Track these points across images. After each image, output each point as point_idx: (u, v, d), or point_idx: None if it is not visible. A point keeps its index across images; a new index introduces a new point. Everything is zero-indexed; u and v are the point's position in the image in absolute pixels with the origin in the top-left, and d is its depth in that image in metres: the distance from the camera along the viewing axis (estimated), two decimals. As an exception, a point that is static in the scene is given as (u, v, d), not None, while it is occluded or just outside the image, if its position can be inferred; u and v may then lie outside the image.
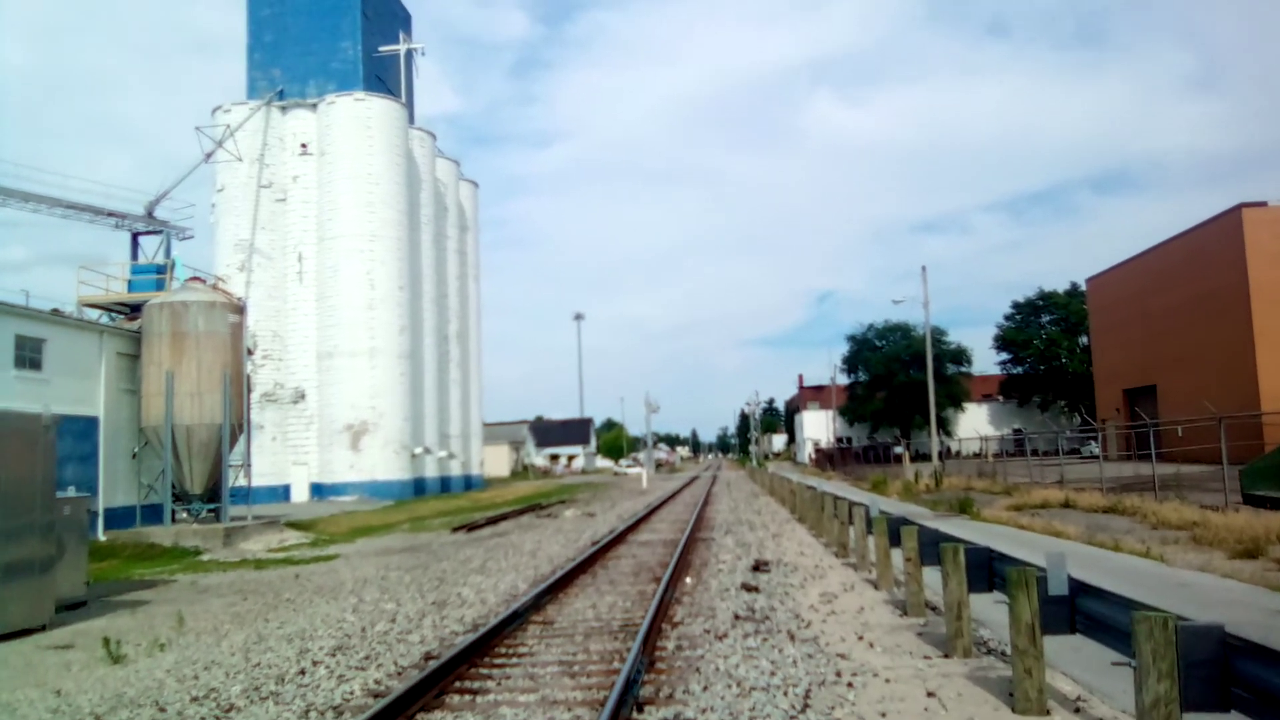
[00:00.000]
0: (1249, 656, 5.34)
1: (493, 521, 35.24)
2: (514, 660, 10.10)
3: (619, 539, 23.50)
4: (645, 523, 29.35)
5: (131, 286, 36.89)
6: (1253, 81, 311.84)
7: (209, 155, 52.96)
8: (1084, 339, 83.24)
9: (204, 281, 33.85)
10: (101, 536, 26.98)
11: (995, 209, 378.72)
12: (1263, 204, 48.22)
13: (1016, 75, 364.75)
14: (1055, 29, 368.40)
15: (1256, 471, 24.25)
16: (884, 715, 7.51)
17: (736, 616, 11.92)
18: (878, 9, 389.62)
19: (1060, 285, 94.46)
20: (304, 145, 56.25)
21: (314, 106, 56.48)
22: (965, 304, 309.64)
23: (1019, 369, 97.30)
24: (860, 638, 10.54)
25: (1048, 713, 7.37)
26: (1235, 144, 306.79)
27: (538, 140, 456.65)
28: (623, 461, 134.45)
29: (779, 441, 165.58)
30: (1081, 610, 7.61)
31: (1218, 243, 49.38)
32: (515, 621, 11.96)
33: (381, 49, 61.64)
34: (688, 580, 15.63)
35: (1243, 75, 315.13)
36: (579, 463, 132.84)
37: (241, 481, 32.57)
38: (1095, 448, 45.66)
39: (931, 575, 11.39)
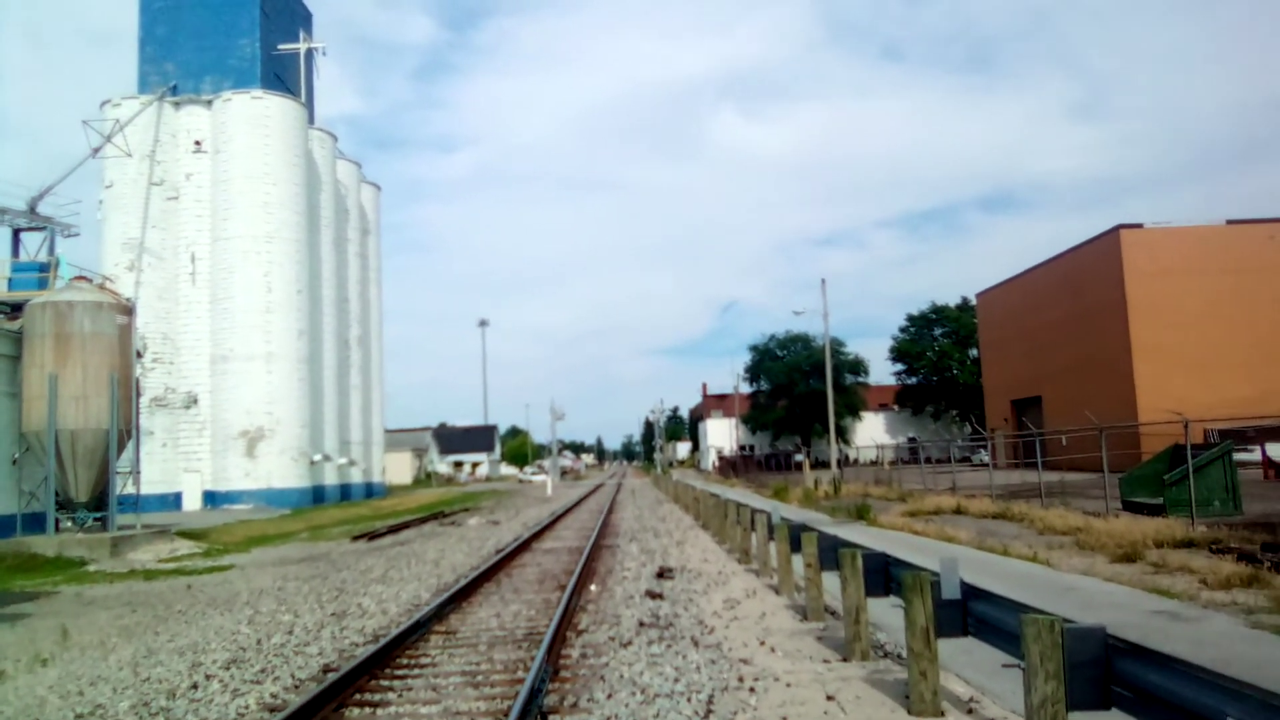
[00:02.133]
0: (1129, 656, 5.62)
1: (394, 530, 34.63)
2: (416, 671, 9.97)
3: (523, 547, 23.38)
4: (550, 530, 29.26)
5: (12, 285, 35.15)
6: (1132, 110, 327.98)
7: (96, 150, 50.85)
8: (974, 351, 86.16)
9: (90, 281, 32.46)
10: (-24, 547, 25.59)
11: (891, 225, 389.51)
12: (1139, 226, 50.79)
13: (911, 97, 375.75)
14: (947, 54, 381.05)
15: (1135, 479, 25.50)
16: (785, 719, 7.65)
17: (641, 623, 12.00)
18: (780, 30, 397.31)
19: (952, 299, 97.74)
20: (198, 142, 54.48)
21: (209, 103, 54.77)
22: (863, 316, 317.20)
23: (913, 379, 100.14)
24: (762, 643, 10.71)
25: (942, 714, 7.61)
26: (1115, 168, 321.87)
27: (442, 145, 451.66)
28: (528, 469, 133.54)
29: (683, 449, 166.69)
30: (974, 614, 7.90)
31: (1098, 261, 51.76)
32: (417, 632, 11.81)
33: (281, 47, 60.18)
34: (592, 588, 15.66)
35: (1122, 103, 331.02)
36: (483, 470, 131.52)
37: (130, 489, 31.30)
38: (985, 456, 47.26)
39: (831, 580, 11.66)
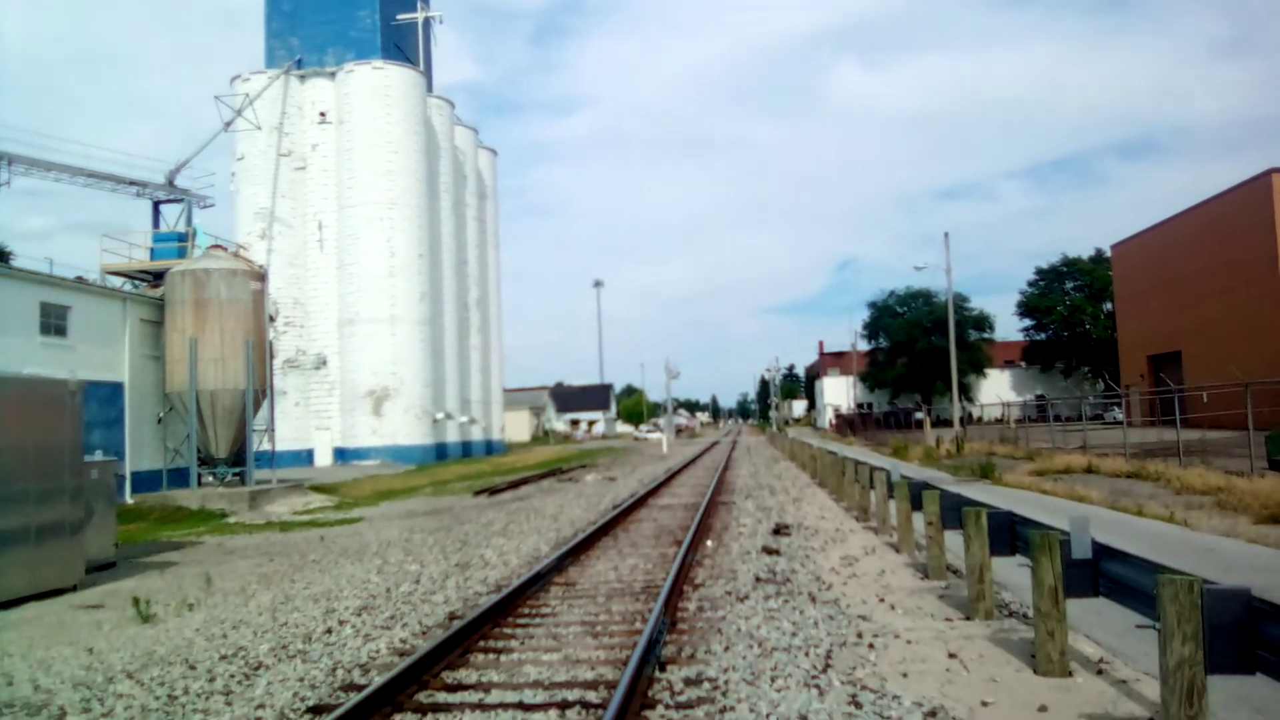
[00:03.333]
0: (1275, 620, 5.31)
1: (514, 486, 35.48)
2: (537, 621, 10.19)
3: (640, 503, 23.61)
4: (666, 487, 29.46)
5: (154, 255, 37.17)
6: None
7: (228, 124, 52.95)
8: (1108, 305, 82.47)
9: (225, 249, 34.02)
10: (129, 500, 27.37)
11: (1019, 176, 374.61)
12: (1293, 168, 47.42)
13: (1039, 42, 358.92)
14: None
15: (1282, 437, 24.04)
16: (905, 675, 7.54)
17: (757, 579, 11.97)
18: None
19: (1085, 252, 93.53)
20: (323, 114, 56.17)
21: (332, 75, 56.33)
22: (988, 271, 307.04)
23: (1042, 335, 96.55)
24: (881, 600, 10.56)
25: (1070, 674, 7.37)
26: (1263, 109, 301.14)
27: (558, 108, 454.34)
28: (643, 427, 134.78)
29: (799, 407, 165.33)
30: (1105, 573, 7.59)
31: (1246, 208, 48.64)
32: (538, 583, 12.06)
33: (400, 17, 61.26)
34: (708, 543, 15.70)
35: (1271, 39, 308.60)
36: (599, 428, 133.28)
37: (265, 446, 32.94)
38: (1119, 413, 45.35)
39: (953, 539, 11.39)
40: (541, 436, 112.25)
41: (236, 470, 30.49)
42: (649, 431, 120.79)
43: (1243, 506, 17.65)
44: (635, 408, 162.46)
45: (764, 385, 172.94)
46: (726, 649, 8.43)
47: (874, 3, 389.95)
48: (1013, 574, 10.14)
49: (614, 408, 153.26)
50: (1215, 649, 5.49)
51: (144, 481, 29.14)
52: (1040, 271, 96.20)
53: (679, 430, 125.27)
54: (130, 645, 10.10)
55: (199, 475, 29.73)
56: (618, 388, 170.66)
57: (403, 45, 60.96)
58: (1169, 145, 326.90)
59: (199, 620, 11.35)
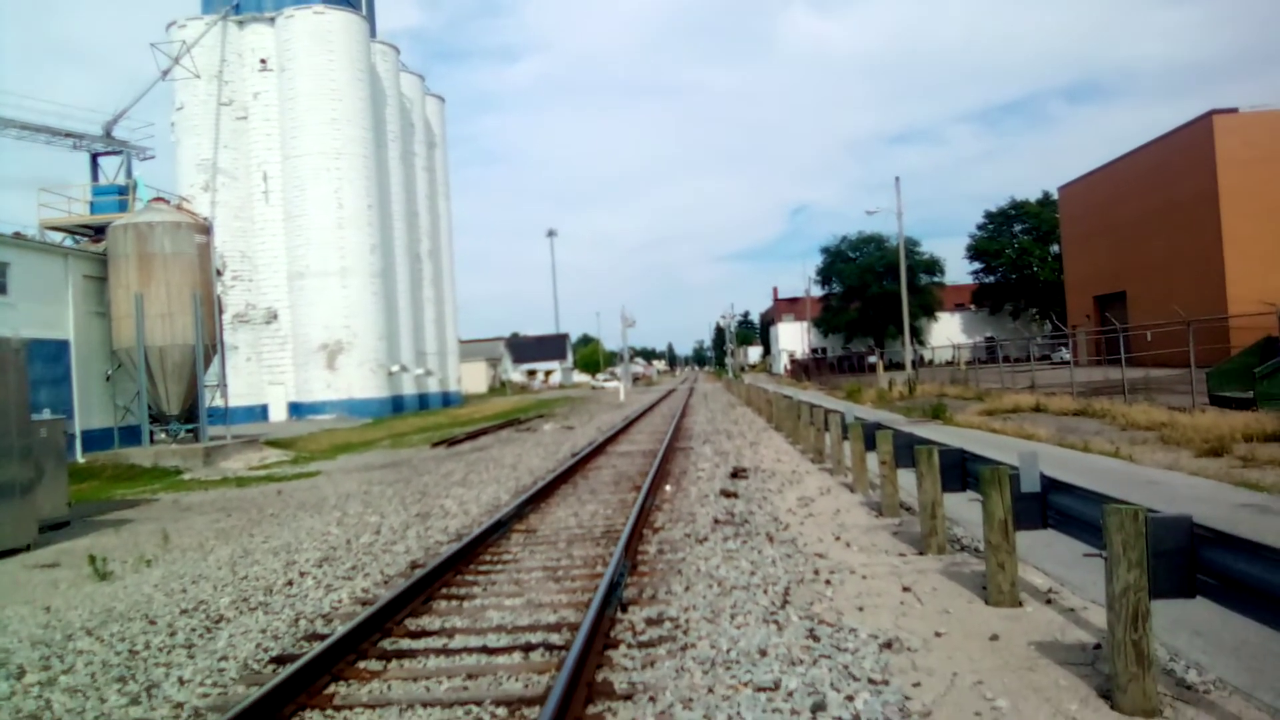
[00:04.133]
0: (1215, 545, 5.50)
1: (472, 436, 35.45)
2: (499, 567, 10.27)
3: (598, 450, 23.72)
4: (624, 434, 29.62)
5: (94, 208, 36.21)
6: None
7: (166, 73, 51.35)
8: (1055, 247, 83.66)
9: (168, 202, 33.23)
10: (80, 459, 26.95)
11: (968, 119, 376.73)
12: (1233, 110, 48.15)
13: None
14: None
15: (1223, 373, 24.73)
16: (861, 610, 7.73)
17: (716, 521, 12.14)
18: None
19: (1033, 194, 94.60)
20: (263, 61, 54.67)
21: (272, 21, 54.74)
22: (939, 215, 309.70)
23: (991, 278, 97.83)
24: (837, 538, 10.77)
25: (1020, 604, 7.61)
26: (1207, 52, 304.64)
27: (505, 55, 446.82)
28: (600, 376, 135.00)
29: (755, 354, 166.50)
30: (1053, 506, 7.80)
31: (1188, 150, 49.41)
32: (499, 530, 12.13)
33: (341, -43, 59.51)
34: (667, 488, 15.86)
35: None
36: (556, 378, 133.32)
37: (218, 402, 32.51)
38: (1066, 353, 46.32)
39: (906, 478, 11.62)
40: (499, 387, 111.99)
41: (190, 427, 30.11)
42: (606, 380, 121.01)
43: (1185, 441, 18.18)
44: (592, 357, 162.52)
45: (720, 332, 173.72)
46: (687, 589, 8.57)
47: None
48: (964, 509, 10.38)
49: (570, 357, 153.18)
50: (1159, 575, 5.68)
51: (95, 440, 28.68)
52: (989, 215, 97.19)
53: (636, 379, 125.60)
54: (88, 602, 10.02)
55: (151, 433, 29.31)
56: (574, 337, 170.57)
57: (344, -12, 59.34)
58: (1115, 87, 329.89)
59: (157, 576, 11.28)
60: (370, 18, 59.97)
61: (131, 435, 29.38)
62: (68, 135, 42.41)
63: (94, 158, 42.70)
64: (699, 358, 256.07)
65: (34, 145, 42.78)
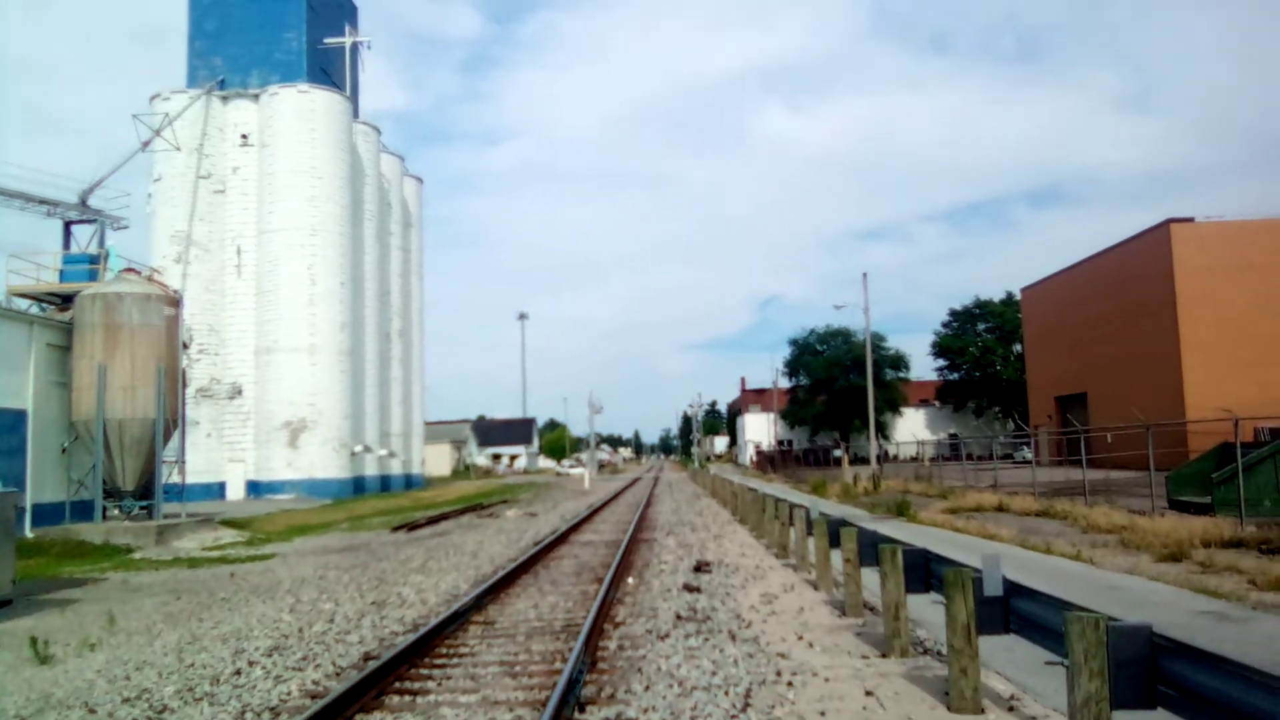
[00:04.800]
0: (1175, 655, 5.52)
1: (433, 521, 34.93)
2: (455, 661, 10.04)
3: (561, 539, 23.46)
4: (588, 523, 29.34)
5: (63, 276, 35.91)
6: (1182, 101, 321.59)
7: (146, 144, 51.72)
8: (1018, 347, 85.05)
9: (139, 273, 33.06)
10: (29, 533, 26.16)
11: (936, 219, 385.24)
12: (1190, 220, 49.75)
13: (958, 89, 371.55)
14: (995, 46, 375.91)
15: (1182, 478, 25.04)
16: (823, 714, 7.61)
17: (678, 617, 11.99)
18: (825, 21, 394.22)
19: (996, 294, 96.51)
20: (245, 136, 55.20)
21: (256, 97, 55.46)
22: (905, 311, 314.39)
23: (955, 375, 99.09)
24: (800, 637, 10.66)
25: (982, 711, 7.53)
26: (1165, 162, 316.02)
27: (486, 139, 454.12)
28: (565, 462, 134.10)
29: (721, 444, 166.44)
30: (1016, 611, 7.80)
31: (1147, 256, 50.82)
32: (456, 622, 11.89)
33: (327, 41, 60.75)
34: (630, 580, 15.67)
35: (1173, 95, 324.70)
36: (521, 463, 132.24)
37: (175, 478, 31.88)
38: (1028, 453, 46.71)
39: (870, 576, 11.57)
40: (463, 471, 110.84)
41: (144, 503, 29.44)
42: (571, 467, 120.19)
43: (1145, 545, 18.29)
44: (558, 442, 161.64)
45: (687, 421, 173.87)
46: (647, 688, 8.41)
47: (798, 46, 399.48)
48: (927, 611, 10.33)
49: (536, 442, 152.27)
50: (1120, 685, 5.67)
51: (46, 514, 27.91)
52: (954, 313, 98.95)
53: (601, 466, 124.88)
54: (26, 688, 9.65)
55: (104, 508, 28.60)
56: (541, 422, 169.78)
57: (329, 70, 60.43)
58: (1078, 193, 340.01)
59: (101, 661, 10.91)
60: (354, 98, 60.94)
61: (84, 510, 28.66)
62: (42, 202, 42.29)
63: (67, 226, 42.53)
64: (665, 446, 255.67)
65: (7, 211, 42.58)
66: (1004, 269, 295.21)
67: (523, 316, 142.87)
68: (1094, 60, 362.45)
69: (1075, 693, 5.74)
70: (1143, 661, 5.66)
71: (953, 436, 73.20)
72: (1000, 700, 7.94)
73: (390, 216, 64.93)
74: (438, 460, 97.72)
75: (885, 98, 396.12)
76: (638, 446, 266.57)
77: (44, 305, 33.48)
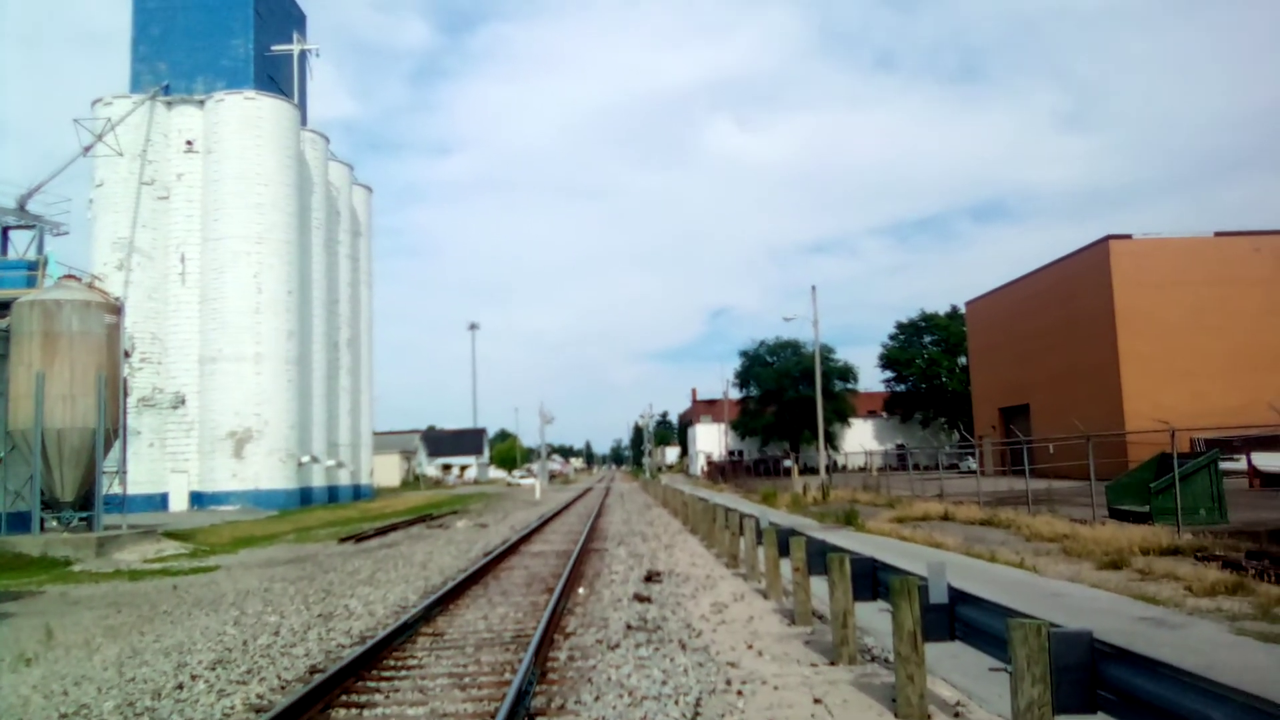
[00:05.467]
0: (1115, 660, 5.65)
1: (382, 532, 34.54)
2: (403, 673, 9.94)
3: (511, 550, 23.35)
4: (538, 534, 29.22)
5: (0, 283, 34.99)
6: (1120, 119, 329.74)
7: (88, 149, 50.64)
8: (963, 359, 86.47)
9: (79, 280, 32.35)
10: (-40, 547, 25.43)
11: (882, 233, 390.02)
12: (1128, 236, 51.07)
13: (903, 106, 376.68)
14: (939, 64, 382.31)
15: (1121, 487, 25.63)
16: (773, 722, 7.66)
17: (629, 626, 11.99)
18: (773, 38, 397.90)
19: (941, 308, 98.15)
20: (189, 142, 54.30)
21: (201, 103, 54.60)
22: (853, 323, 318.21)
23: (902, 387, 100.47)
24: (750, 646, 10.72)
25: (929, 718, 7.64)
26: (1104, 178, 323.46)
27: (435, 149, 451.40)
28: (516, 472, 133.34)
29: (672, 454, 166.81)
30: (961, 618, 7.92)
31: (1086, 271, 52.02)
32: (404, 634, 11.79)
33: (274, 48, 60.05)
34: (580, 591, 15.65)
35: (1111, 113, 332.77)
36: (472, 473, 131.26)
37: (116, 489, 31.16)
38: (973, 463, 47.45)
39: (819, 585, 11.67)
40: (412, 481, 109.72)
41: (84, 515, 28.73)
42: (522, 477, 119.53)
43: (1086, 553, 18.68)
44: (509, 453, 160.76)
45: (638, 432, 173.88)
46: (597, 699, 8.41)
47: (747, 62, 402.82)
48: (875, 619, 10.45)
49: (487, 453, 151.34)
50: (1061, 690, 5.78)
51: (-22, 526, 27.16)
52: (900, 326, 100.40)
53: (553, 476, 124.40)
54: (-43, 705, 9.37)
55: (42, 520, 27.85)
56: (491, 432, 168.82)
57: (277, 77, 59.73)
58: (1019, 209, 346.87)
59: (36, 676, 10.62)
60: (302, 105, 60.30)
61: (20, 522, 27.90)
62: (-23, 207, 41.19)
63: (4, 231, 41.39)
64: (617, 456, 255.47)
65: (-60, 216, 41.42)
66: (949, 282, 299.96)
67: (473, 327, 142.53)
68: (1033, 78, 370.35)
69: (1018, 698, 5.85)
70: (1084, 667, 5.77)
71: (900, 447, 74.10)
72: (946, 706, 8.06)
73: (339, 225, 64.26)
74: (387, 471, 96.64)
75: (832, 114, 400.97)
76: (589, 457, 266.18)
77: (-22, 313, 32.58)
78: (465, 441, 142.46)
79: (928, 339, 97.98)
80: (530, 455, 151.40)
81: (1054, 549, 20.06)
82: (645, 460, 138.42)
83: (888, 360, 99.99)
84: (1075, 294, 53.28)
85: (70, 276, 32.35)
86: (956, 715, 7.84)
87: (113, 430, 29.55)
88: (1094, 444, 25.01)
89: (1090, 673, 5.76)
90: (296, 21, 65.10)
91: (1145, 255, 49.92)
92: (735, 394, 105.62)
